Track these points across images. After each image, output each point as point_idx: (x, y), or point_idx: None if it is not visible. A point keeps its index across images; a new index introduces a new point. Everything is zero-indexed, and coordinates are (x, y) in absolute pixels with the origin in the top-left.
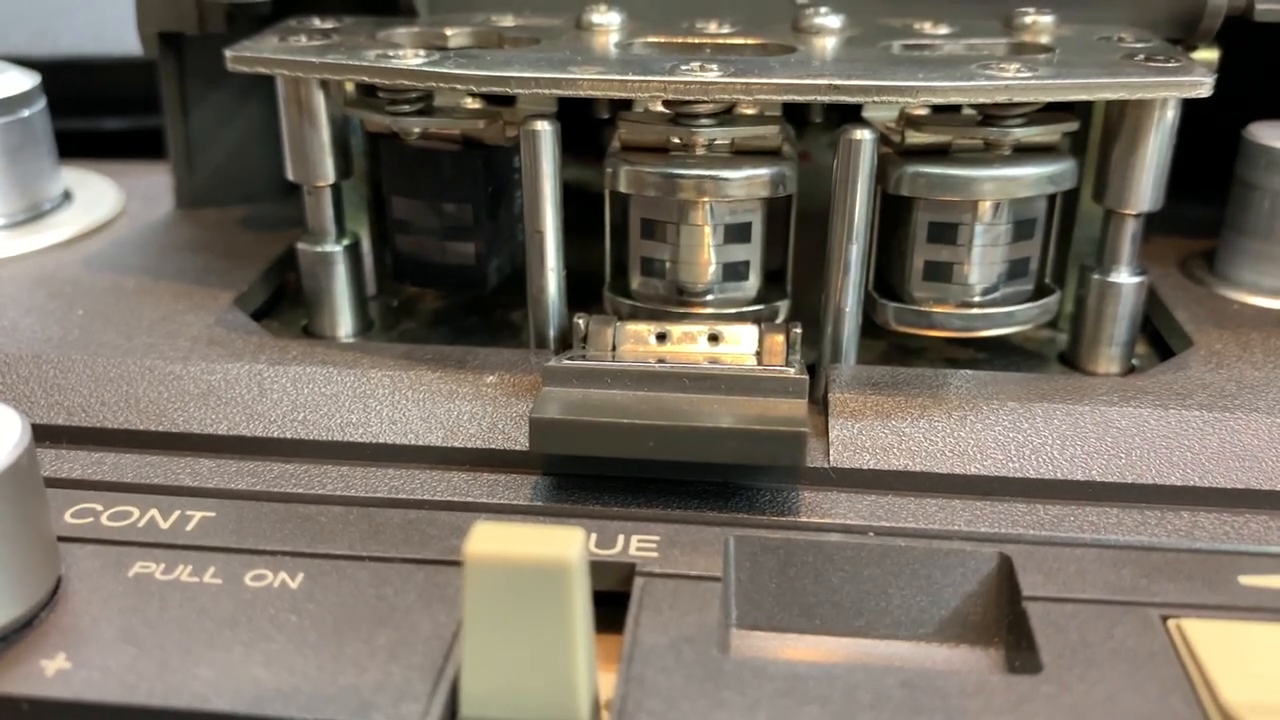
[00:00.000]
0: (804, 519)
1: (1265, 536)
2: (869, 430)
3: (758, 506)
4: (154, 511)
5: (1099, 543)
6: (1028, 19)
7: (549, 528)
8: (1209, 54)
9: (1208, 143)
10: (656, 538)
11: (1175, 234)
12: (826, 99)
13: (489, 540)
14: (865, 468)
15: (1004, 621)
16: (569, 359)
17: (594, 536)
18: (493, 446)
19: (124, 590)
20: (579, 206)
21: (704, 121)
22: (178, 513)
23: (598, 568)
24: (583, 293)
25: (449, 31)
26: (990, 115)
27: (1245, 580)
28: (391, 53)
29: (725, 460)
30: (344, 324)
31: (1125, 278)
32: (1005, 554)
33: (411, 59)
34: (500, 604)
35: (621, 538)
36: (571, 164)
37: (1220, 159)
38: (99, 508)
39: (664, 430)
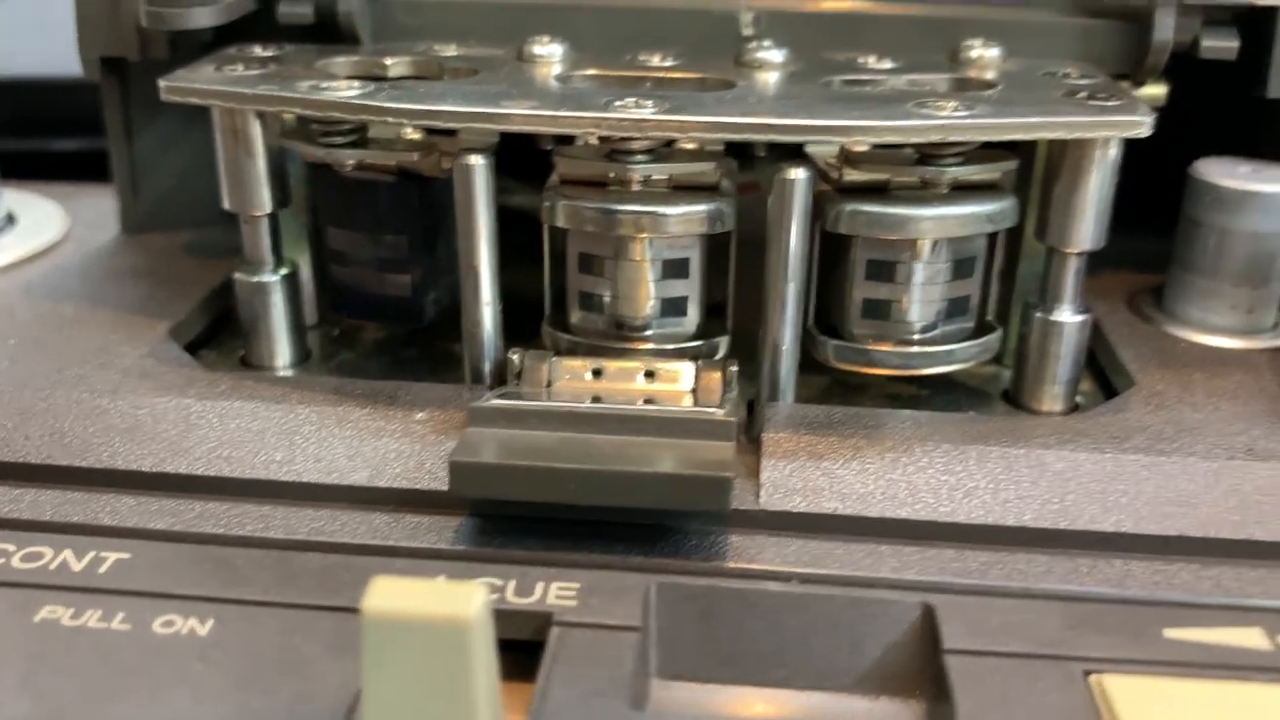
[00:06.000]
0: (729, 565)
1: (1195, 585)
2: (801, 472)
3: (684, 551)
4: (68, 552)
5: (1026, 592)
6: (973, 53)
7: (450, 584)
8: (1157, 89)
9: (1160, 176)
10: (577, 585)
11: (1126, 268)
12: (759, 138)
13: (387, 596)
14: (795, 510)
15: (926, 674)
16: (496, 399)
17: (513, 583)
18: (418, 487)
19: (28, 636)
20: (531, 232)
21: (639, 158)
22: (92, 554)
23: (514, 616)
24: (534, 320)
25: (389, 61)
26: (927, 154)
27: (1170, 633)
28: (325, 84)
29: (649, 505)
30: (281, 354)
31: (1068, 316)
32: (929, 604)
33: (344, 91)
34: (399, 661)
35: (541, 585)
36: (523, 190)
37: (1172, 192)
38: (11, 548)
39: (586, 475)
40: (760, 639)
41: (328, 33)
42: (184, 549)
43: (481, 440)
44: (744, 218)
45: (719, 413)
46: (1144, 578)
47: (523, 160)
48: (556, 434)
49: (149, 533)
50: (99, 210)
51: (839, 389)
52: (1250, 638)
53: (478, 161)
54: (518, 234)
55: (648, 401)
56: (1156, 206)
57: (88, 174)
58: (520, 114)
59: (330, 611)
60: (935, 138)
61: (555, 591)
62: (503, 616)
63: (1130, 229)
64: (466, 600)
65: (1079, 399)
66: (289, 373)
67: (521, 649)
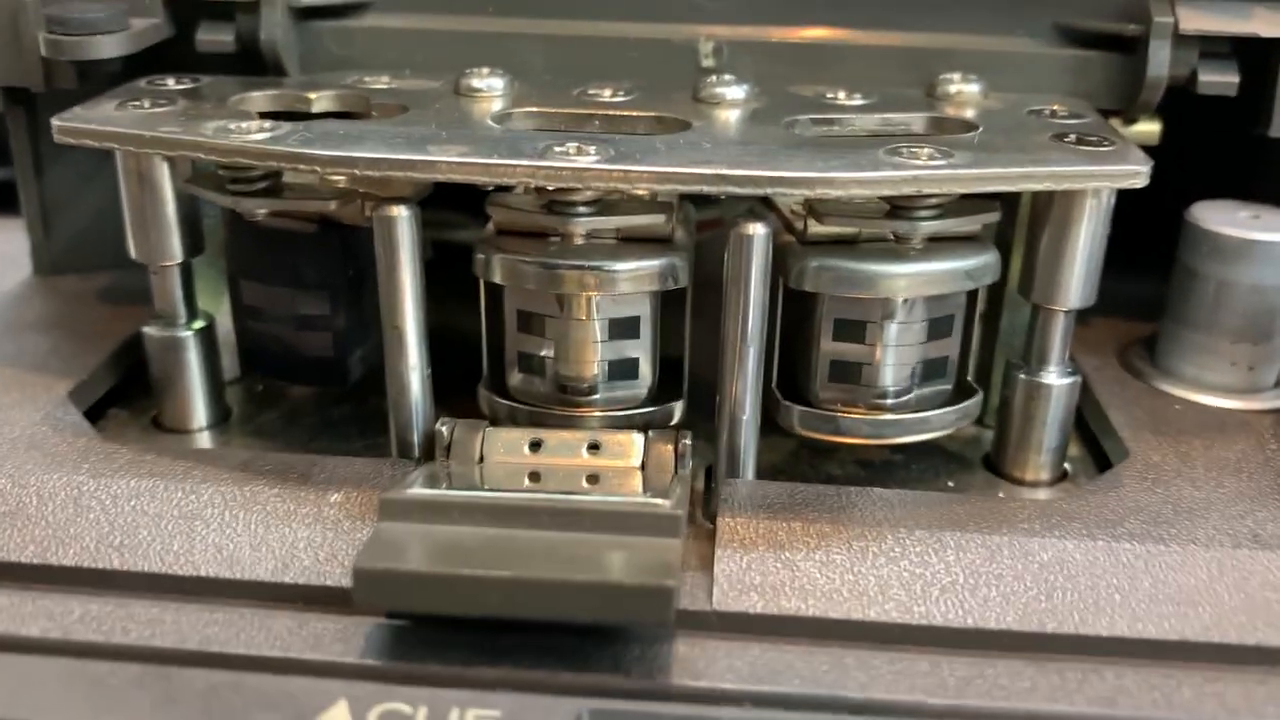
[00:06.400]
0: (675, 683)
1: (1197, 706)
2: (759, 564)
3: (624, 665)
4: None
5: (1009, 714)
6: (952, 88)
7: None
8: (1151, 126)
9: (1153, 217)
10: (497, 713)
11: (1116, 314)
12: (713, 189)
13: None
14: (752, 612)
15: None
16: (417, 483)
17: (423, 711)
18: (327, 584)
19: None
20: None
21: (581, 210)
22: None
23: None
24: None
25: (313, 95)
26: (899, 205)
27: None
28: (234, 125)
29: (582, 619)
30: (196, 415)
31: (1055, 379)
32: None
33: (254, 134)
34: None
35: (456, 712)
36: (470, 225)
37: (1166, 234)
38: None
39: (510, 584)
40: None
41: (252, 62)
42: (55, 664)
43: (392, 540)
44: (708, 257)
45: (664, 505)
46: (1140, 694)
47: (473, 192)
48: (479, 530)
49: (19, 642)
50: (14, 247)
51: (807, 453)
52: None
53: (400, 213)
54: (465, 273)
55: (591, 478)
56: (1149, 249)
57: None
58: (446, 161)
59: None
60: (908, 190)
61: None
62: None
63: (1121, 272)
64: None
65: (1067, 465)
66: (205, 435)
67: None
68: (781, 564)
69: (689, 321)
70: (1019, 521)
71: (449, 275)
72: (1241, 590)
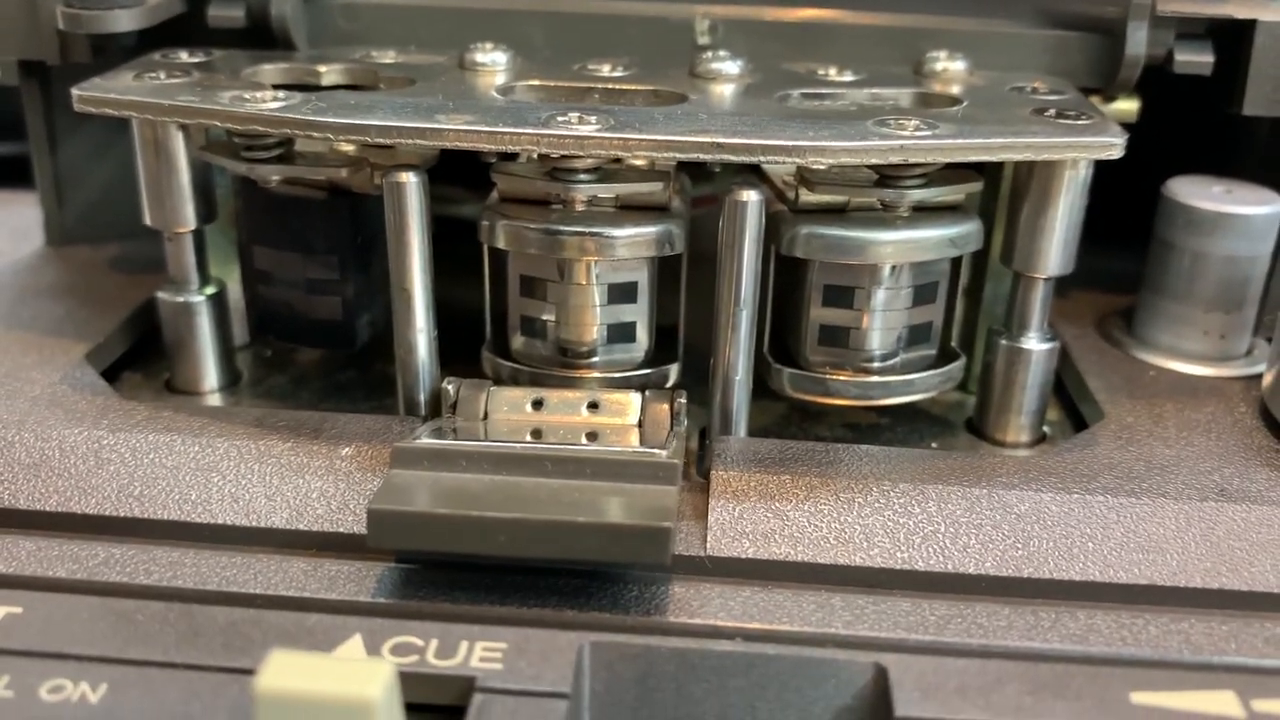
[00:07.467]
0: (670, 620)
1: (1163, 642)
2: (750, 514)
3: (622, 604)
4: None
5: (985, 650)
6: (938, 66)
7: (353, 661)
8: (1129, 104)
9: (1131, 193)
10: (504, 645)
11: (1095, 288)
12: (709, 157)
13: (285, 674)
14: (744, 556)
15: None
16: (426, 435)
17: (434, 643)
18: (340, 530)
19: None
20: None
21: (583, 177)
22: None
23: (434, 681)
24: (482, 339)
25: (322, 69)
26: (887, 175)
27: (1138, 698)
28: (249, 94)
29: (584, 558)
30: (208, 378)
31: (1035, 344)
32: (881, 665)
33: (268, 103)
34: None
35: (465, 644)
36: (472, 200)
37: (1143, 210)
38: None
39: (515, 525)
40: (702, 703)
41: (261, 37)
42: (82, 601)
43: (404, 485)
44: (701, 233)
45: (661, 454)
46: (1110, 633)
47: (473, 168)
48: (486, 477)
49: (46, 582)
50: (26, 219)
51: (796, 416)
52: (1223, 703)
53: (409, 179)
54: (468, 246)
55: (590, 435)
56: (1127, 224)
57: (22, 179)
58: (454, 129)
59: (235, 674)
60: (895, 159)
61: (480, 652)
62: (422, 680)
63: (1100, 247)
64: (370, 680)
65: (1046, 429)
66: (216, 397)
67: (445, 711)
68: (772, 513)
69: (684, 288)
70: (998, 476)
71: (449, 248)
72: (1207, 539)
